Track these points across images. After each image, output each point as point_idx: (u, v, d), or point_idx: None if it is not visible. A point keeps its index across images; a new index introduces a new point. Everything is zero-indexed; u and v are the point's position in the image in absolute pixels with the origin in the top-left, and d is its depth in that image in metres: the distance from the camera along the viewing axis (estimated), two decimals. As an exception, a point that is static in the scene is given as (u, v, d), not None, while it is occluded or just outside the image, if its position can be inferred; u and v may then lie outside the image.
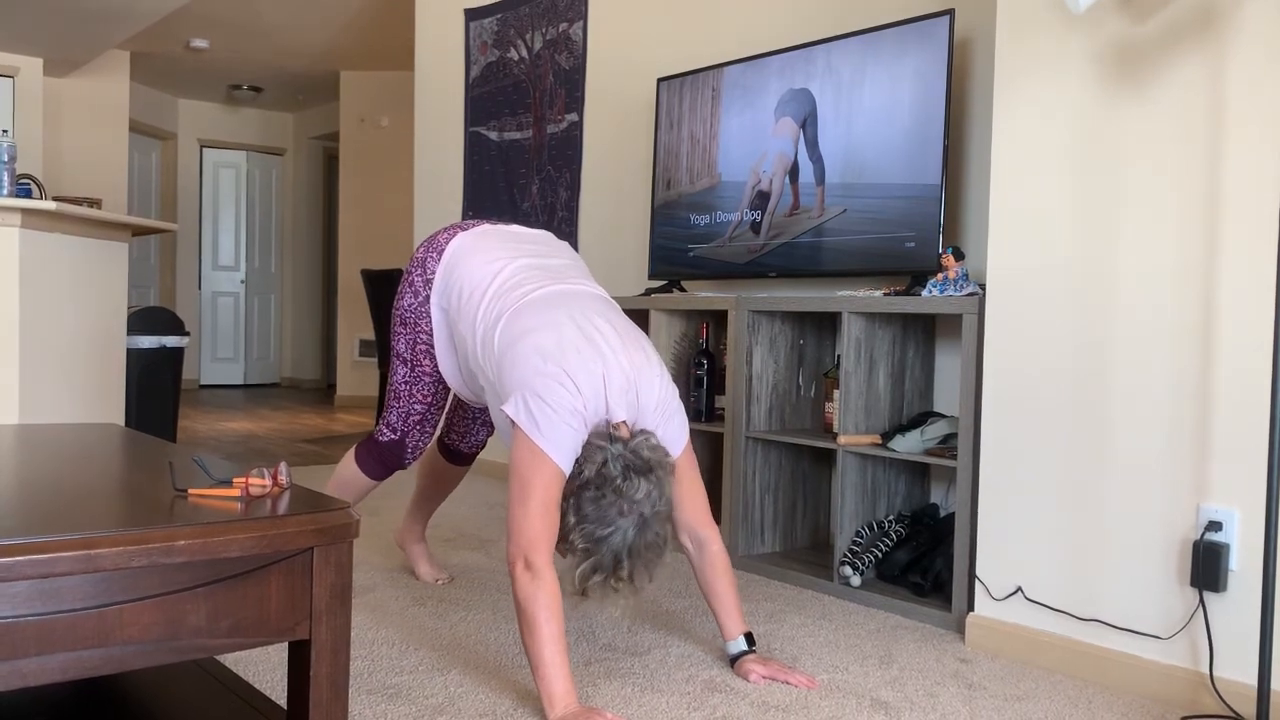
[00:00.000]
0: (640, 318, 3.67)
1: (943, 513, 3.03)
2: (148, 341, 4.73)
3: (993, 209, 2.44)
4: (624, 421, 2.07)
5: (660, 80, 3.76)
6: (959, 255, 2.68)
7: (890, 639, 2.52)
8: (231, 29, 7.37)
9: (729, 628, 2.23)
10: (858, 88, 3.10)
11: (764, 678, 2.17)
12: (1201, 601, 2.09)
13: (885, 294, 2.87)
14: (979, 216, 3.02)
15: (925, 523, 2.94)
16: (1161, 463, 2.15)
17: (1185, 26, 2.12)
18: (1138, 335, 2.19)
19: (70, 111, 7.99)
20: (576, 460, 2.02)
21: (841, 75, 3.15)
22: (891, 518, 2.96)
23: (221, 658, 2.16)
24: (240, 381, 10.10)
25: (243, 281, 10.07)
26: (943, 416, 2.87)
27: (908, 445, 2.77)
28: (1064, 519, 2.31)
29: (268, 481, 1.48)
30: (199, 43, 7.73)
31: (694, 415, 3.45)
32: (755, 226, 3.40)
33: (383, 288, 5.84)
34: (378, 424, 2.65)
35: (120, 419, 4.10)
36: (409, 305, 2.52)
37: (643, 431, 2.09)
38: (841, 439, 2.87)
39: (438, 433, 2.97)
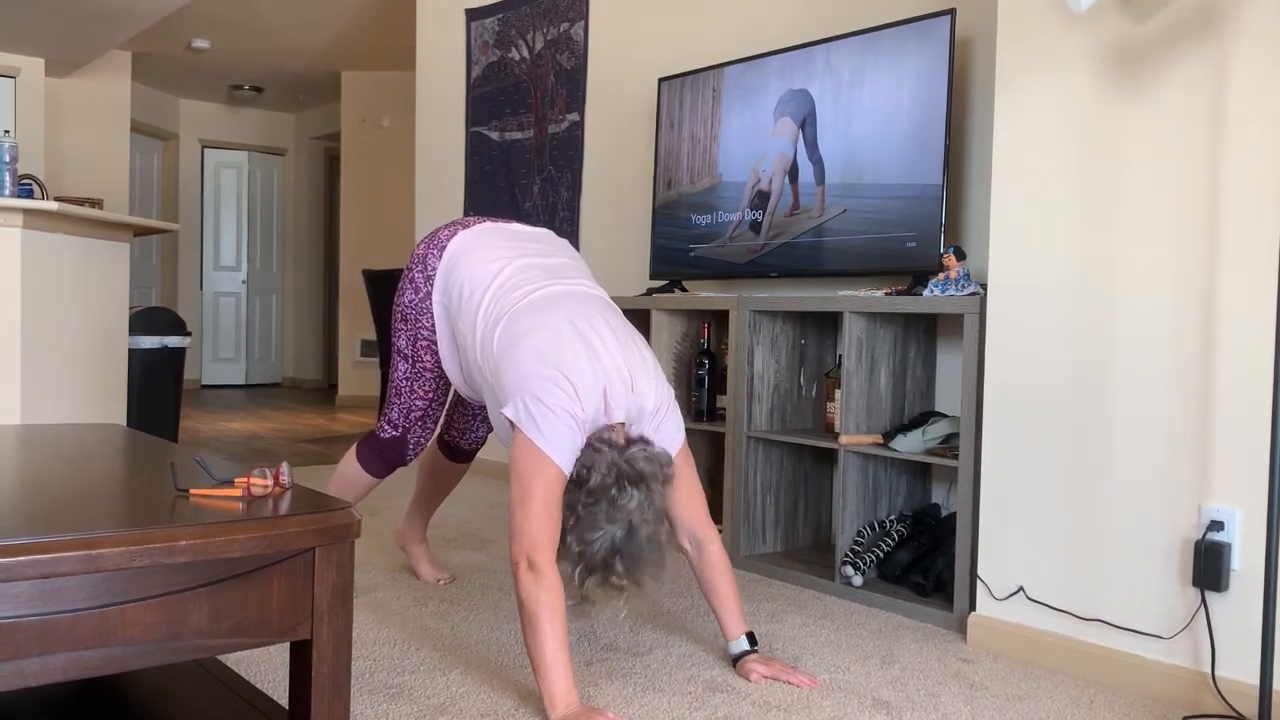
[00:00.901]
0: (641, 317, 3.67)
1: (944, 512, 3.03)
2: (149, 342, 4.73)
3: (994, 209, 2.44)
4: (621, 424, 2.08)
5: (661, 80, 3.76)
6: (960, 255, 2.68)
7: (892, 639, 2.52)
8: (232, 29, 7.37)
9: (730, 627, 2.24)
10: (858, 88, 3.10)
11: (765, 677, 2.17)
12: (1203, 601, 2.09)
13: (886, 294, 2.87)
14: (980, 216, 3.02)
15: (927, 522, 2.94)
16: (1163, 462, 2.15)
17: (1185, 27, 2.12)
18: (1139, 335, 2.19)
19: (72, 112, 7.99)
20: (576, 461, 2.03)
21: (841, 75, 3.15)
22: (893, 517, 2.96)
23: (223, 658, 2.16)
24: (242, 382, 10.10)
25: (244, 282, 10.07)
26: (944, 416, 2.87)
27: (909, 445, 2.77)
28: (1065, 518, 2.31)
29: (269, 482, 1.48)
30: (200, 43, 7.73)
31: (695, 415, 3.45)
32: (755, 226, 3.40)
33: (384, 288, 5.84)
34: (379, 421, 2.65)
35: (122, 419, 4.10)
36: (410, 301, 2.53)
37: (641, 439, 2.09)
38: (843, 439, 2.87)
39: (438, 430, 2.97)
